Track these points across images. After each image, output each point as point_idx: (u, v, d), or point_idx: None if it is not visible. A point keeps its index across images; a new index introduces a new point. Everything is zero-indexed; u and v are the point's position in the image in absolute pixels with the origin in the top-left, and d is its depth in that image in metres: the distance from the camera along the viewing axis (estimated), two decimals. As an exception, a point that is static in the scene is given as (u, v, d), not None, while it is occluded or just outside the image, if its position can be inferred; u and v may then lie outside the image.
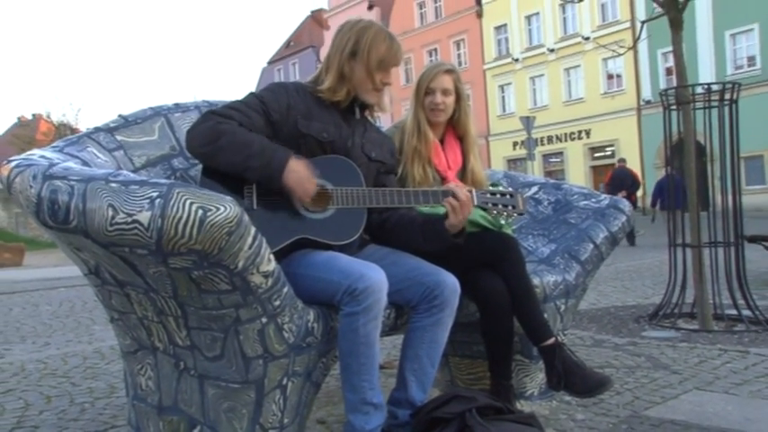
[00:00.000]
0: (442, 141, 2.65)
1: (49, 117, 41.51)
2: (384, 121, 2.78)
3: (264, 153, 1.96)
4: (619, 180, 13.58)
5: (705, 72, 24.37)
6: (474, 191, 2.20)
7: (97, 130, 2.25)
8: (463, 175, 2.63)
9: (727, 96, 4.25)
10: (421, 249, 2.20)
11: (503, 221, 2.45)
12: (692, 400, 2.60)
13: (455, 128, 2.68)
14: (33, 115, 51.54)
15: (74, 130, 34.39)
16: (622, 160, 15.44)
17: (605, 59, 28.53)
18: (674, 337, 3.90)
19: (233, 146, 1.95)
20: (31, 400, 2.98)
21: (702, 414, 2.42)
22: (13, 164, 1.79)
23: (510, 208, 2.23)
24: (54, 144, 2.10)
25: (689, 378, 2.92)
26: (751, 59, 25.43)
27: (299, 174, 1.97)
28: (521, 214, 2.27)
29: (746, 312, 4.16)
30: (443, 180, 2.55)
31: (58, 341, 4.66)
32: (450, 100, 2.59)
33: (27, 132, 43.78)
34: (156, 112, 2.38)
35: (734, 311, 4.19)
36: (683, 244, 4.36)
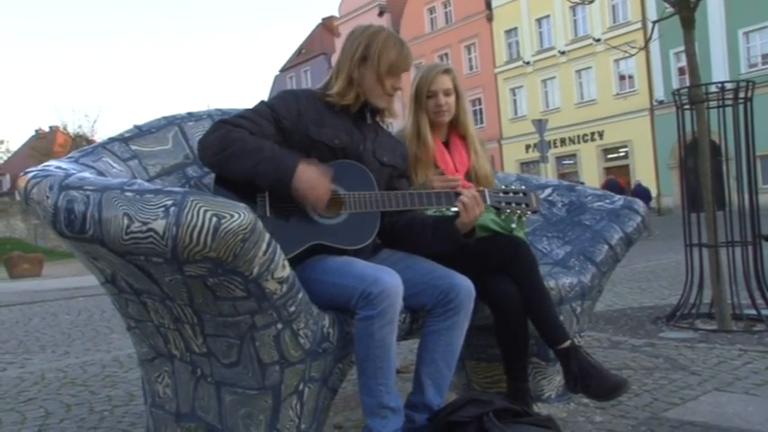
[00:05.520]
0: (447, 144, 2.63)
1: (65, 129, 42.05)
2: (396, 126, 2.77)
3: (275, 158, 1.97)
4: (610, 189, 16.42)
5: (718, 71, 24.20)
6: (486, 191, 2.20)
7: (112, 140, 2.27)
8: (468, 174, 2.60)
9: (742, 95, 4.21)
10: (431, 251, 2.20)
11: (514, 225, 2.45)
12: (712, 402, 2.57)
13: (456, 127, 2.65)
14: (50, 127, 52.19)
15: (90, 141, 34.76)
16: (612, 173, 20.31)
17: (617, 60, 28.41)
18: (692, 337, 3.86)
19: (243, 153, 1.96)
20: (52, 408, 3.00)
21: (723, 415, 2.40)
22: (29, 175, 1.81)
23: (524, 206, 2.22)
24: (69, 155, 2.13)
25: (708, 379, 2.89)
26: (765, 57, 25.21)
27: (310, 178, 1.97)
28: (534, 212, 2.26)
29: (766, 312, 4.11)
30: None
31: (77, 350, 4.70)
32: (452, 100, 2.57)
33: (44, 144, 44.37)
34: (170, 122, 2.40)
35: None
36: (699, 244, 4.32)
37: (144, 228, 1.59)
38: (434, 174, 2.51)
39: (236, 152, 1.97)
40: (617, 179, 20.00)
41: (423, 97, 2.56)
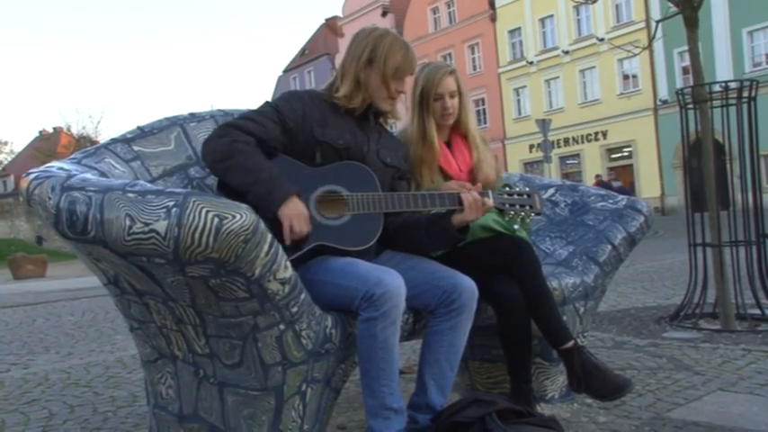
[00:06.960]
0: (449, 144, 2.60)
1: (69, 130, 42.24)
2: (400, 127, 2.76)
3: (270, 182, 1.97)
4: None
5: (722, 70, 24.10)
6: (491, 192, 2.19)
7: (114, 141, 2.28)
8: (471, 173, 2.57)
9: (746, 94, 4.20)
10: (426, 248, 2.20)
11: (516, 225, 2.44)
12: (716, 402, 2.56)
13: (458, 127, 2.61)
14: (54, 129, 52.38)
15: (93, 142, 34.89)
16: (599, 175, 22.18)
17: (621, 60, 28.31)
18: (695, 337, 3.85)
19: (242, 168, 1.97)
20: (55, 409, 3.01)
21: (727, 416, 2.39)
22: (32, 176, 1.81)
23: (527, 208, 2.21)
24: (72, 156, 2.13)
25: (712, 379, 2.88)
26: (769, 56, 25.12)
27: (294, 215, 1.96)
28: (538, 214, 2.26)
29: (770, 312, 4.10)
30: None
31: (80, 351, 4.71)
32: (457, 101, 2.54)
33: (48, 146, 44.59)
34: (173, 123, 2.41)
35: (757, 311, 4.13)
36: (702, 244, 4.31)
37: (146, 229, 1.59)
38: (439, 176, 2.50)
39: (236, 166, 1.97)
40: (605, 181, 20.63)
41: (430, 99, 2.51)
